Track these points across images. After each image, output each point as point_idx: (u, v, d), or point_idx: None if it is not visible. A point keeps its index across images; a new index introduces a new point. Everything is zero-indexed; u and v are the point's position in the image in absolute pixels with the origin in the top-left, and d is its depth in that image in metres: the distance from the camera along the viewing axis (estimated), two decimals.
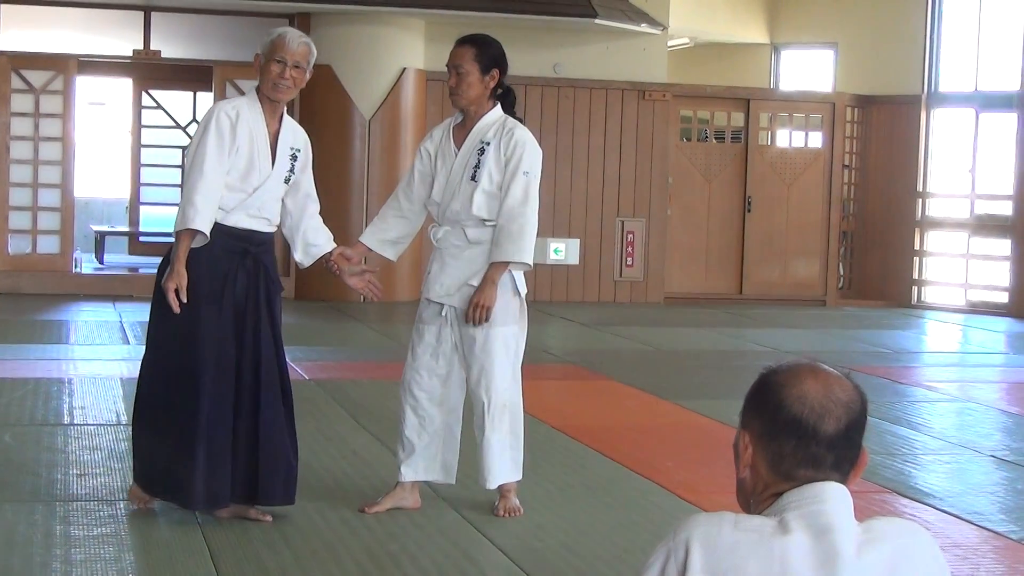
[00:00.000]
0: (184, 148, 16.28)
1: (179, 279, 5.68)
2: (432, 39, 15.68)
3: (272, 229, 6.04)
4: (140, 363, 6.08)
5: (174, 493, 5.89)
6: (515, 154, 6.05)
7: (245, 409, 5.87)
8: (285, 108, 6.08)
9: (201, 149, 5.78)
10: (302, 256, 6.21)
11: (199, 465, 5.77)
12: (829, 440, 2.49)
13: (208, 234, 5.72)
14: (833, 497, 2.46)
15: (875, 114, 17.78)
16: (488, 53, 6.12)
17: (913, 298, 17.44)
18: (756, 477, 2.55)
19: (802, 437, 2.49)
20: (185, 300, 5.69)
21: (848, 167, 17.78)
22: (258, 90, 6.00)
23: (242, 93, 15.23)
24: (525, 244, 6.01)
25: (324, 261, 6.20)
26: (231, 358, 5.84)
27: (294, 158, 6.03)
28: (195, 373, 5.78)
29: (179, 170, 17.13)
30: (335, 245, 6.21)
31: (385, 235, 6.34)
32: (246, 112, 5.90)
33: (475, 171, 6.08)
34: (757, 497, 2.55)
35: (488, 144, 6.09)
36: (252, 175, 5.88)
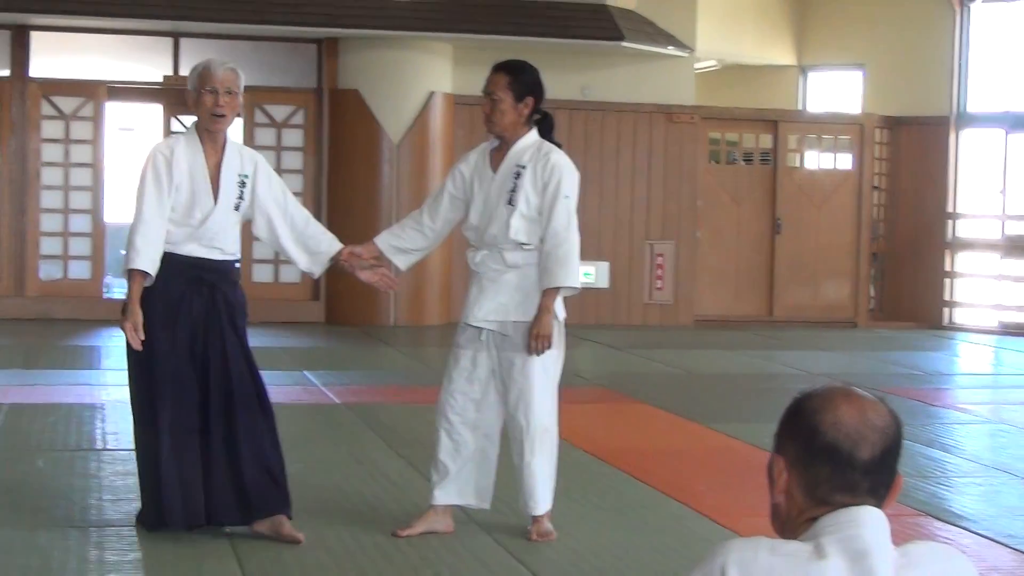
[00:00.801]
0: None
1: (134, 317, 5.86)
2: (460, 63, 15.72)
3: (227, 258, 6.12)
4: None
5: (153, 516, 5.97)
6: (553, 178, 6.06)
7: (219, 427, 5.95)
8: (227, 136, 6.13)
9: (140, 193, 5.97)
10: (310, 265, 6.27)
11: (170, 486, 5.87)
12: (865, 466, 2.48)
13: (153, 273, 5.87)
14: (870, 521, 2.45)
15: (904, 135, 17.74)
16: (522, 80, 6.13)
17: (944, 319, 17.35)
18: (791, 502, 2.54)
19: (838, 464, 2.48)
20: (143, 337, 5.84)
21: (877, 188, 17.73)
22: (196, 126, 6.10)
23: (272, 119, 15.25)
24: (573, 268, 6.03)
25: (335, 262, 6.25)
26: (191, 379, 5.93)
27: (242, 184, 6.09)
28: (153, 397, 5.91)
29: None
30: (341, 245, 6.26)
31: (398, 243, 6.36)
32: (182, 149, 6.03)
33: (511, 195, 6.09)
34: (792, 522, 2.54)
35: (524, 168, 6.10)
36: (195, 210, 6.00)
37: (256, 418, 6.00)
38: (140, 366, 5.94)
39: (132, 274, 5.88)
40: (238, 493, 5.94)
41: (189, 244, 5.97)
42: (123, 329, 5.87)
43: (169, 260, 5.92)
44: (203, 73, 6.02)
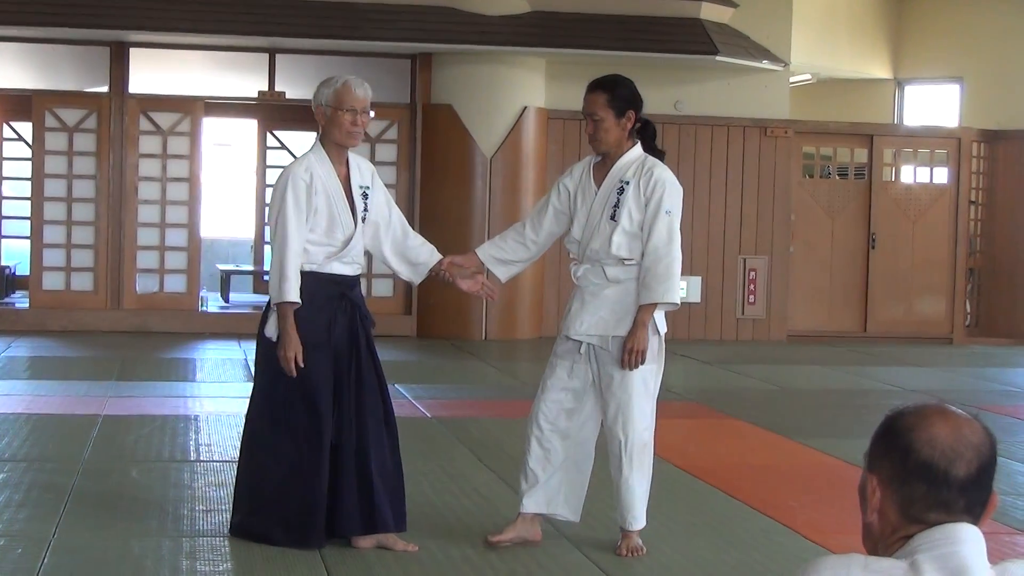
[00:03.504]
0: None
1: (296, 347, 5.89)
2: (553, 77, 15.73)
3: (361, 271, 6.21)
4: (246, 415, 6.26)
5: (285, 534, 5.99)
6: (655, 193, 6.04)
7: (350, 443, 6.00)
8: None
9: (282, 217, 5.94)
10: (411, 275, 6.34)
11: (317, 505, 5.95)
12: (960, 484, 2.44)
13: (300, 302, 5.90)
14: (966, 539, 2.41)
15: (1002, 149, 17.52)
16: (620, 95, 6.10)
17: None
18: (884, 521, 2.50)
19: (933, 482, 2.44)
20: (303, 365, 5.88)
21: (975, 203, 17.52)
22: (322, 140, 6.10)
23: (365, 134, 15.40)
24: (672, 284, 6.00)
25: (435, 272, 6.28)
26: (331, 400, 5.98)
27: (364, 196, 6.14)
28: (295, 416, 5.98)
29: None
30: (441, 255, 6.29)
31: (499, 254, 6.37)
32: (318, 170, 6.05)
33: (615, 210, 6.07)
34: (885, 541, 2.50)
35: (627, 183, 6.08)
36: (335, 231, 6.03)
37: (383, 441, 6.06)
38: (287, 385, 5.96)
39: (283, 307, 5.90)
40: (363, 506, 5.98)
41: (332, 263, 6.01)
42: (284, 360, 5.87)
43: (315, 279, 5.97)
44: (342, 92, 6.04)
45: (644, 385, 6.07)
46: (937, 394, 11.87)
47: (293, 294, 5.87)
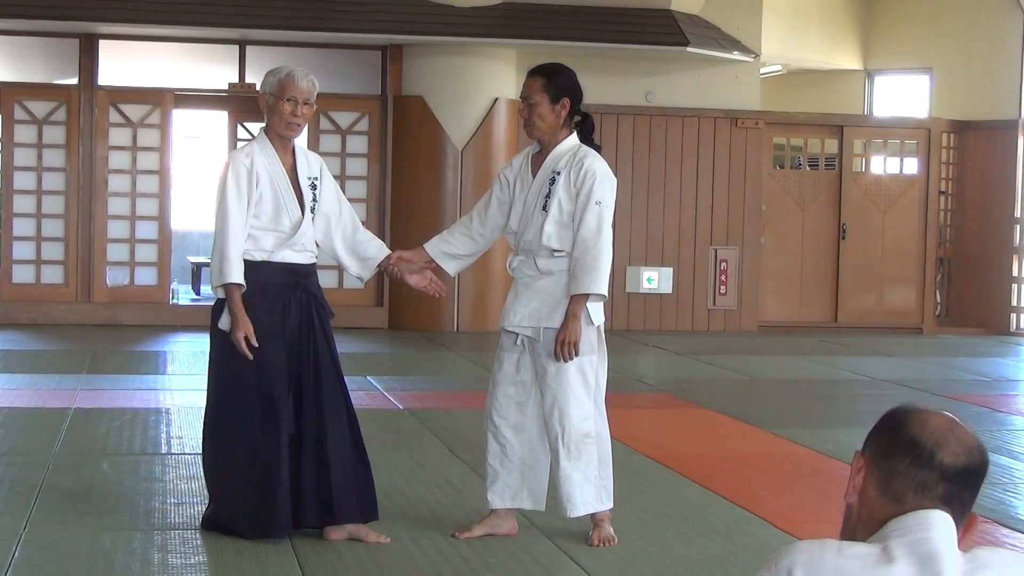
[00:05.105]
0: None
1: (246, 327, 5.88)
2: (524, 69, 15.62)
3: (314, 259, 6.18)
4: (204, 409, 6.25)
5: (250, 525, 5.98)
6: (585, 184, 6.02)
7: (311, 434, 5.99)
8: (294, 140, 6.18)
9: (223, 204, 5.97)
10: (359, 270, 6.32)
11: (282, 495, 5.92)
12: (943, 469, 2.47)
13: (244, 284, 5.91)
14: (938, 525, 2.43)
15: (971, 139, 17.58)
16: (557, 82, 6.11)
17: (1012, 325, 17.19)
18: (863, 501, 2.53)
19: (917, 458, 2.47)
20: (256, 344, 5.87)
21: (944, 193, 17.58)
22: (265, 130, 6.11)
23: (336, 126, 15.30)
24: (600, 275, 5.98)
25: (384, 268, 6.27)
26: (286, 389, 5.96)
27: (313, 187, 6.14)
28: (254, 407, 5.95)
29: None
30: (389, 251, 6.29)
31: (448, 248, 6.36)
32: (260, 157, 6.04)
33: (546, 200, 6.07)
34: (863, 525, 2.52)
35: (559, 174, 6.08)
36: (282, 217, 6.03)
37: (343, 430, 6.05)
38: (240, 375, 5.95)
39: (230, 288, 5.90)
40: (323, 498, 5.98)
41: (283, 251, 6.01)
42: (235, 341, 5.86)
43: (266, 268, 5.98)
44: (284, 81, 6.03)
45: (581, 377, 6.06)
46: (907, 384, 11.93)
47: (235, 275, 5.88)
